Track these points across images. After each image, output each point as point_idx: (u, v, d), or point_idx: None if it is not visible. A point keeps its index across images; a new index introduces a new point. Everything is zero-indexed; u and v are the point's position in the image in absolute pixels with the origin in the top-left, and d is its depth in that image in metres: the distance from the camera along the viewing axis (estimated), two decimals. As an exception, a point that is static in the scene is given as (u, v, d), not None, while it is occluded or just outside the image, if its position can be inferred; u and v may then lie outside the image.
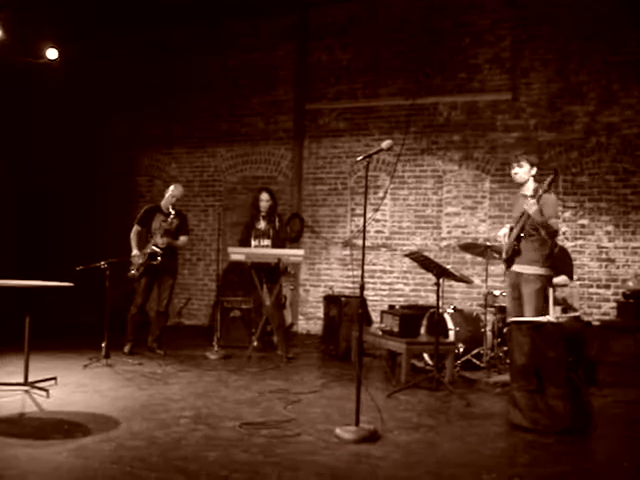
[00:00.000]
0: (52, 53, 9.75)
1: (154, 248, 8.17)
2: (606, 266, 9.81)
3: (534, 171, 6.62)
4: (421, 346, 7.30)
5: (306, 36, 11.64)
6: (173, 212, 8.28)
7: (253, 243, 8.66)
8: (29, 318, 6.00)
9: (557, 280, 7.71)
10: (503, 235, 6.79)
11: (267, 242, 8.62)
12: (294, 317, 11.31)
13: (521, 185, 6.75)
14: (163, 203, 8.48)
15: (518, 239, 6.52)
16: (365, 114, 11.25)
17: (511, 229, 6.71)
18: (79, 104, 11.48)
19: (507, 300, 6.88)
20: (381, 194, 10.95)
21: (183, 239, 8.60)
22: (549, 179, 6.21)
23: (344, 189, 11.35)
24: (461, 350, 7.70)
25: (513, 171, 6.70)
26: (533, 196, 6.37)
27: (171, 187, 8.54)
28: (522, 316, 6.31)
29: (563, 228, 9.88)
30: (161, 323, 8.52)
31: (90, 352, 7.65)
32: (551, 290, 6.60)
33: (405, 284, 10.83)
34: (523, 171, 6.63)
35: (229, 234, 11.59)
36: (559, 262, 7.55)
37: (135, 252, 8.26)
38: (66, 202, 11.19)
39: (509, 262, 6.64)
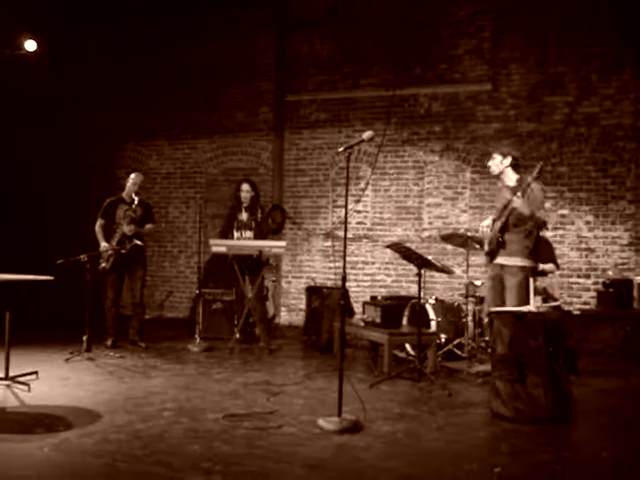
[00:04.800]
0: (30, 45, 9.62)
1: (123, 235, 8.16)
2: (586, 256, 9.88)
3: (507, 161, 6.66)
4: (403, 337, 7.32)
5: (286, 27, 11.60)
6: (136, 199, 8.27)
7: (235, 235, 8.62)
8: (9, 312, 5.97)
9: (546, 267, 7.76)
10: (486, 226, 6.79)
11: (249, 234, 8.58)
12: (276, 309, 11.31)
13: (499, 176, 6.78)
14: (125, 193, 8.45)
15: (502, 231, 6.54)
16: (346, 105, 11.24)
17: (494, 221, 6.72)
18: (58, 97, 11.36)
19: (486, 290, 6.90)
20: (362, 185, 10.95)
21: (149, 226, 8.57)
22: (538, 167, 6.23)
23: (325, 180, 11.34)
24: (443, 340, 7.73)
25: (488, 164, 6.80)
26: (518, 186, 6.42)
27: (131, 175, 8.55)
28: (502, 307, 6.35)
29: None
30: (139, 315, 8.49)
31: (71, 346, 7.62)
32: (532, 280, 6.64)
33: (387, 275, 10.85)
34: (494, 163, 6.74)
35: (210, 226, 11.57)
36: (543, 252, 7.60)
37: (103, 244, 8.22)
38: (46, 196, 11.09)
39: (492, 254, 6.65)
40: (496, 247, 6.59)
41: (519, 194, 6.27)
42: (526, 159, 9.39)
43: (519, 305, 6.25)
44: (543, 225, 6.49)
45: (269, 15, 11.68)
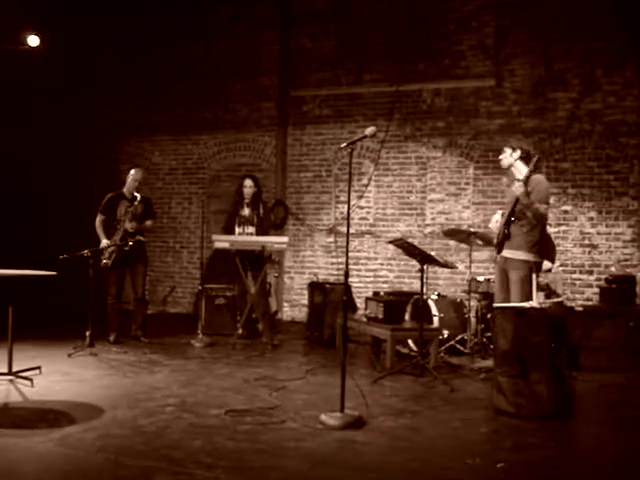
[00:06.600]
0: (33, 40, 9.62)
1: (125, 232, 8.15)
2: (589, 252, 9.86)
3: (517, 154, 6.70)
4: (405, 332, 7.32)
5: (289, 23, 11.57)
6: (139, 196, 8.25)
7: (237, 230, 8.63)
8: (12, 307, 5.98)
9: (545, 264, 7.74)
10: (495, 221, 6.84)
11: (251, 229, 8.59)
12: (279, 304, 11.31)
13: (508, 170, 6.84)
14: (126, 189, 8.41)
15: (508, 223, 6.56)
16: (349, 101, 11.22)
17: (503, 214, 6.76)
18: (61, 92, 11.36)
19: (495, 284, 6.91)
20: (365, 181, 10.94)
21: (149, 222, 8.56)
22: (534, 160, 6.36)
23: (328, 176, 11.33)
24: (445, 336, 7.73)
25: (499, 157, 6.86)
26: (526, 180, 6.48)
27: (132, 171, 8.48)
28: (508, 301, 6.35)
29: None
30: (141, 310, 8.50)
31: (74, 341, 7.63)
32: (534, 276, 6.63)
33: (389, 271, 10.84)
34: (504, 156, 6.80)
35: (213, 222, 11.55)
36: (542, 247, 7.59)
37: (105, 241, 8.18)
38: (49, 190, 11.11)
39: (500, 247, 6.68)
40: (502, 239, 6.62)
41: (520, 184, 6.34)
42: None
43: (523, 299, 6.26)
44: (541, 218, 6.47)
45: (272, 10, 11.65)
